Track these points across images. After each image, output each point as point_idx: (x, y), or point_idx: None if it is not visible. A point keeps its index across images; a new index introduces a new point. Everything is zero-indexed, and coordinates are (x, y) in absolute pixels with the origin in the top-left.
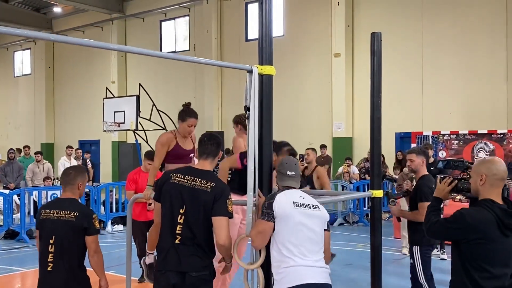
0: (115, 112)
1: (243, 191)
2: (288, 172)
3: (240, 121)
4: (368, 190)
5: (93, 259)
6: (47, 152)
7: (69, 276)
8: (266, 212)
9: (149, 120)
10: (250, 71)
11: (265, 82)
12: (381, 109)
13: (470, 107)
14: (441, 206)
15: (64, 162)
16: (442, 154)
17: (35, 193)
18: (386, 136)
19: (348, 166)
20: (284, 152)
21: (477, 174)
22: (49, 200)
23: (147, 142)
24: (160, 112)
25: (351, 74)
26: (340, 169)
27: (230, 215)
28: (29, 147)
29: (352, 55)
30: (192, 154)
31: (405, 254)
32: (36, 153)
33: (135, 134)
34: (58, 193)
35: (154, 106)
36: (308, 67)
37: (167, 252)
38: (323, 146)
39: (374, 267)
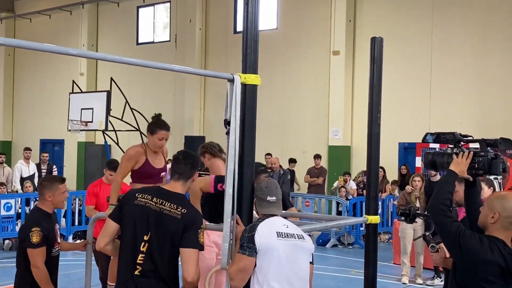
0: (82, 109)
1: (213, 220)
2: (269, 198)
3: (206, 150)
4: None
5: (33, 273)
6: (4, 151)
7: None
8: (247, 246)
9: (121, 119)
10: (232, 80)
11: (249, 93)
12: (381, 122)
13: (482, 116)
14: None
15: (20, 167)
16: None
17: None
18: (388, 147)
19: (345, 181)
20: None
21: (489, 208)
22: (1, 210)
23: (117, 144)
24: (133, 110)
25: (351, 74)
26: (336, 184)
27: (201, 248)
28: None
29: (353, 53)
30: (163, 173)
31: (405, 283)
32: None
33: (105, 134)
34: (12, 202)
35: (127, 104)
36: (303, 65)
37: (125, 285)
38: (317, 156)
39: None
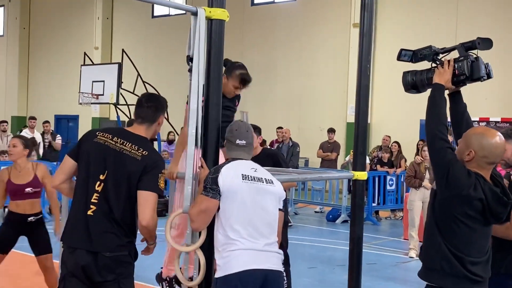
0: (93, 81)
1: None
2: (238, 141)
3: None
4: (380, 183)
5: None
6: (19, 127)
7: None
8: (210, 188)
9: (133, 93)
10: (195, 14)
11: (215, 29)
12: (401, 100)
13: (507, 91)
14: None
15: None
16: None
17: None
18: (409, 123)
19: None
20: (235, 77)
21: (466, 145)
22: None
23: (130, 118)
24: (146, 84)
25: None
26: (347, 158)
27: (160, 192)
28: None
29: (374, 25)
30: (28, 189)
31: (412, 257)
32: (1, 122)
33: (117, 109)
34: None
35: (139, 77)
36: (321, 38)
37: (75, 225)
38: (330, 130)
39: (353, 265)
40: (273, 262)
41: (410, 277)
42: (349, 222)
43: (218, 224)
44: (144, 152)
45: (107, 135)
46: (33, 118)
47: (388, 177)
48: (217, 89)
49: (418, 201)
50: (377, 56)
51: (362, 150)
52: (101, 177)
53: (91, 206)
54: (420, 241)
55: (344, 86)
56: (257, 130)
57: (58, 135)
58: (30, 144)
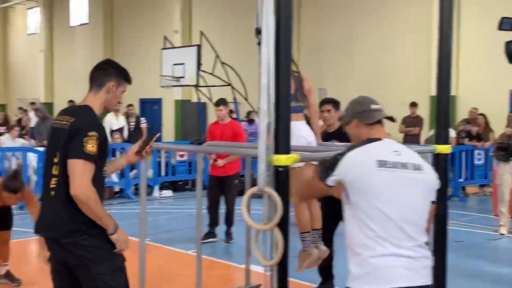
0: (173, 64)
1: None
2: (373, 106)
3: None
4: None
5: None
6: (106, 111)
7: None
8: (326, 170)
9: (212, 74)
10: None
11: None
12: (489, 70)
13: None
14: None
15: (111, 120)
16: None
17: None
18: (498, 95)
19: None
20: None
21: None
22: None
23: (211, 100)
24: (224, 65)
25: (456, 17)
26: (431, 132)
27: (87, 157)
28: (73, 101)
29: None
30: None
31: (503, 234)
32: (69, 101)
33: (197, 91)
34: None
35: (217, 58)
36: (401, 8)
37: (41, 213)
38: (413, 104)
39: (438, 243)
40: (423, 274)
41: (501, 255)
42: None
43: (352, 218)
44: (71, 119)
45: (57, 116)
46: (117, 102)
47: (476, 151)
48: (286, 62)
49: (508, 175)
50: (462, 26)
51: (444, 123)
52: (55, 160)
53: (50, 192)
54: (511, 217)
55: (427, 58)
56: (337, 104)
57: (143, 118)
58: None
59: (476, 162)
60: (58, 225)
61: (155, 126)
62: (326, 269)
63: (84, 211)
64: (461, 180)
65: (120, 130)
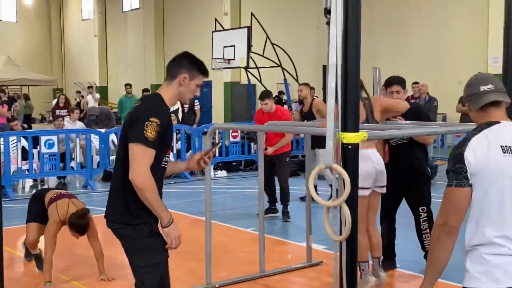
0: (224, 47)
1: None
2: (482, 87)
3: None
4: None
5: None
6: None
7: None
8: (453, 171)
9: (262, 55)
10: None
11: None
12: None
13: None
14: None
15: None
16: None
17: None
18: None
19: None
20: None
21: None
22: None
23: (260, 81)
24: (275, 46)
25: None
26: None
27: (146, 142)
28: (130, 85)
29: None
30: None
31: None
32: (144, 90)
33: (247, 72)
34: None
35: (268, 40)
36: None
37: None
38: None
39: None
40: None
41: None
42: None
43: (472, 212)
44: (136, 106)
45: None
46: None
47: None
48: (355, 41)
49: None
50: None
51: None
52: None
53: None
54: None
55: (484, 35)
56: (404, 84)
57: (196, 100)
58: None
59: None
60: (106, 211)
61: (205, 109)
62: (388, 248)
63: (140, 198)
64: None
65: (175, 112)
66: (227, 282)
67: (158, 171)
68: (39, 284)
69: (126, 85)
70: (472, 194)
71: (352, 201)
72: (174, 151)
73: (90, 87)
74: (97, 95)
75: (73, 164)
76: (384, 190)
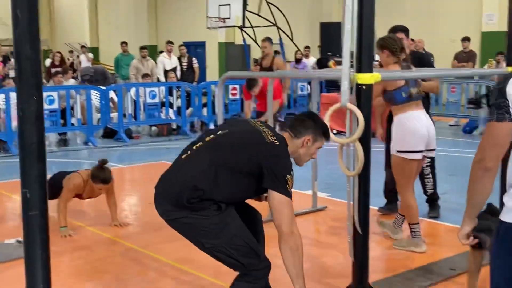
0: (219, 5)
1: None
2: None
3: (387, 45)
4: None
5: None
6: (151, 55)
7: None
8: (496, 105)
9: (257, 14)
10: None
11: None
12: None
13: None
14: None
15: (163, 60)
16: None
17: (133, 90)
18: None
19: (497, 62)
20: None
21: None
22: (147, 98)
23: (255, 41)
24: (270, 4)
25: None
26: (486, 66)
27: (290, 197)
28: (126, 43)
29: None
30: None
31: None
32: (141, 48)
33: (242, 32)
34: (156, 90)
35: None
36: None
37: None
38: (465, 39)
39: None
40: None
41: None
42: None
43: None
44: (274, 138)
45: (253, 120)
46: (170, 42)
47: None
48: (370, 10)
49: None
50: None
51: None
52: (207, 139)
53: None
54: None
55: None
56: (408, 31)
57: (194, 58)
58: None
59: None
60: (162, 202)
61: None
62: (391, 192)
63: (286, 257)
64: None
65: (174, 70)
66: None
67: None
68: (55, 230)
69: (122, 43)
70: None
71: (365, 139)
72: (175, 108)
73: (83, 46)
74: (91, 55)
75: (73, 120)
76: (433, 154)
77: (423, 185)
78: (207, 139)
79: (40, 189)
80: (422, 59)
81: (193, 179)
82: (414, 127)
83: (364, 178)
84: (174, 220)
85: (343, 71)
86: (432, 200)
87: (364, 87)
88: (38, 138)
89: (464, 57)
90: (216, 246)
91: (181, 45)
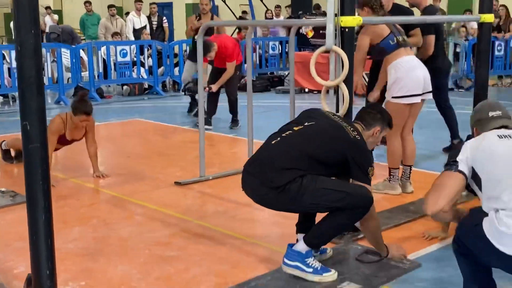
0: None
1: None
2: (491, 113)
3: (367, 2)
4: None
5: None
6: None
7: None
8: (447, 162)
9: None
10: None
11: None
12: None
13: None
14: None
15: (132, 18)
16: None
17: (103, 48)
18: None
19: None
20: None
21: None
22: (118, 57)
23: (224, 2)
24: None
25: None
26: (453, 25)
27: (364, 178)
28: (90, 3)
29: None
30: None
31: None
32: (109, 6)
33: None
34: (127, 49)
35: None
36: None
37: None
38: None
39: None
40: None
41: None
42: (455, 90)
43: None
44: (356, 134)
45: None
46: (139, 0)
47: (497, 42)
48: None
49: None
50: None
51: None
52: (295, 128)
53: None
54: None
55: None
56: None
57: (164, 17)
58: None
59: (496, 53)
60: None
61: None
62: None
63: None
64: None
65: (144, 27)
66: (218, 175)
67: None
68: None
69: (85, 2)
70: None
71: (349, 81)
72: (146, 67)
73: (48, 7)
74: (56, 17)
75: (44, 79)
76: (430, 96)
77: None
78: (295, 128)
79: (40, 121)
80: (405, 12)
81: (285, 163)
82: (409, 69)
83: (348, 118)
84: (265, 197)
85: (328, 13)
86: None
87: (347, 29)
88: (36, 71)
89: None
90: (312, 205)
91: (152, 3)
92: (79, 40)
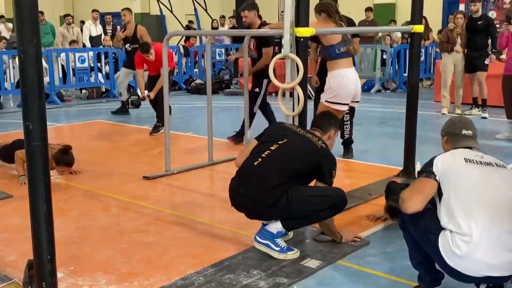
0: None
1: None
2: (464, 131)
3: (324, 9)
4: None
5: None
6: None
7: None
8: (424, 170)
9: None
10: None
11: None
12: None
13: None
14: None
15: (89, 27)
16: (492, 14)
17: (63, 55)
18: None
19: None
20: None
21: None
22: (77, 63)
23: (171, 11)
24: None
25: None
26: (380, 34)
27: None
28: (42, 13)
29: None
30: None
31: (444, 113)
32: (65, 15)
33: (159, 2)
34: (85, 55)
35: None
36: None
37: None
38: (368, 9)
39: (410, 106)
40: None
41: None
42: (382, 91)
43: (441, 212)
44: (322, 144)
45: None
46: (96, 10)
47: None
48: None
49: (450, 64)
50: None
51: (419, 6)
52: (272, 147)
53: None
54: (451, 102)
55: None
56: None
57: (118, 26)
58: None
59: None
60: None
61: None
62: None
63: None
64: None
65: (98, 37)
66: (182, 169)
67: None
68: (14, 178)
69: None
70: (443, 197)
71: (304, 84)
72: (104, 72)
73: (1, 16)
74: (10, 25)
75: (6, 85)
76: (356, 105)
77: (341, 131)
78: (272, 148)
79: (41, 121)
80: (350, 23)
81: (272, 183)
82: (343, 83)
83: (301, 119)
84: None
85: (285, 24)
86: (347, 144)
87: (302, 39)
88: (38, 77)
89: (367, 25)
90: (301, 211)
91: (107, 14)
92: None
